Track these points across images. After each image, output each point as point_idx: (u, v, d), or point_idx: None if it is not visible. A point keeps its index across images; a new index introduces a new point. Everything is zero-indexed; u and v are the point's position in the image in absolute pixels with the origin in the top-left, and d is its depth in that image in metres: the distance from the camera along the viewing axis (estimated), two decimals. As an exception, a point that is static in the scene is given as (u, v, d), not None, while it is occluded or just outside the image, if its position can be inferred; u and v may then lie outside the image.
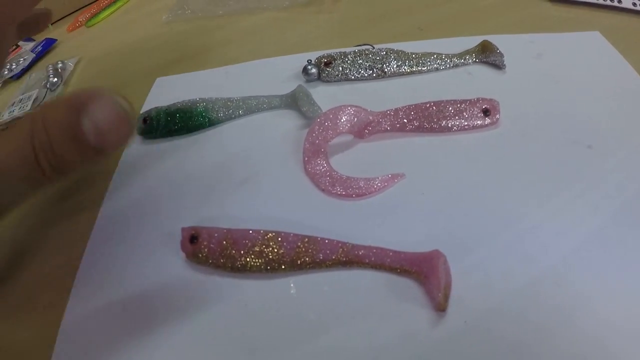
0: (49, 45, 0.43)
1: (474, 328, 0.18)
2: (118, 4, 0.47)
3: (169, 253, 0.23)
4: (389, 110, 0.26)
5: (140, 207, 0.26)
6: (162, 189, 0.26)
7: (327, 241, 0.21)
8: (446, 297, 0.19)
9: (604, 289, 0.19)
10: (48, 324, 0.21)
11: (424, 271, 0.20)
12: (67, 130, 0.14)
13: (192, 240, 0.22)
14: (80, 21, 0.46)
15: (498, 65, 0.30)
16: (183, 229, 0.22)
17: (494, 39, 0.31)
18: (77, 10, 0.49)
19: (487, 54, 0.30)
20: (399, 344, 0.18)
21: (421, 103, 0.26)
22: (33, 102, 0.35)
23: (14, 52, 0.44)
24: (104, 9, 0.47)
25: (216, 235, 0.22)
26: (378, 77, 0.30)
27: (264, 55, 0.35)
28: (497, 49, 0.30)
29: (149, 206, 0.26)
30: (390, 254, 0.21)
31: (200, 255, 0.21)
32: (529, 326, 0.18)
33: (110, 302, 0.21)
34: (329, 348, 0.19)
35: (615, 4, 0.34)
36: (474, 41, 0.32)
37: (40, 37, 0.45)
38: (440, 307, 0.18)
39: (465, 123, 0.26)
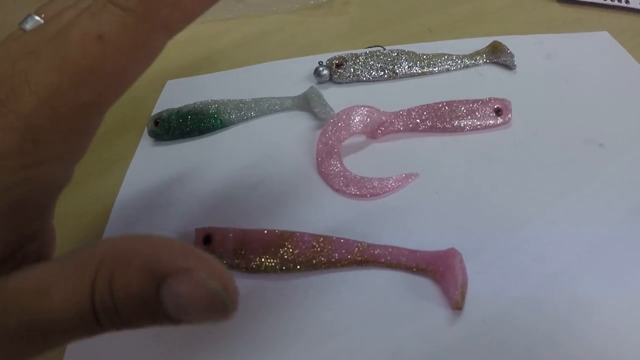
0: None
1: (492, 326, 0.18)
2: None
3: (183, 254, 0.23)
4: (401, 111, 0.26)
5: (153, 208, 0.26)
6: (175, 191, 0.26)
7: (342, 241, 0.21)
8: (463, 295, 0.19)
9: (618, 286, 0.19)
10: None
11: (440, 269, 0.20)
12: (139, 299, 0.11)
13: (206, 241, 0.22)
14: (91, 26, 0.46)
15: (508, 66, 0.30)
16: (197, 230, 0.22)
17: (503, 39, 0.31)
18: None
19: (497, 55, 0.30)
20: (416, 343, 0.18)
21: (433, 103, 0.26)
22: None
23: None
24: (113, 14, 0.47)
25: (230, 235, 0.22)
26: (389, 78, 0.30)
27: (274, 58, 0.35)
28: (508, 49, 0.30)
29: (162, 207, 0.26)
30: (406, 252, 0.21)
31: (215, 256, 0.21)
32: (545, 323, 0.18)
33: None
34: (345, 348, 0.19)
35: (623, 4, 0.35)
36: (483, 42, 0.32)
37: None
38: (457, 305, 0.18)
39: (478, 123, 0.26)
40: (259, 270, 0.21)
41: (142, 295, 0.11)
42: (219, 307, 0.11)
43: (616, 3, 0.35)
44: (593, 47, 0.31)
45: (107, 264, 0.11)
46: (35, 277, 0.11)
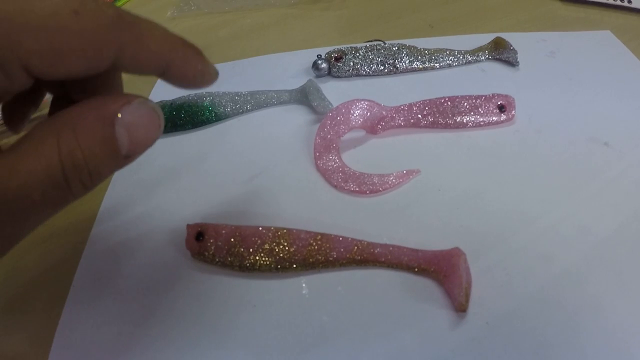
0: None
1: (496, 329, 0.18)
2: (123, 0, 0.46)
3: (173, 251, 0.22)
4: (402, 105, 0.26)
5: (143, 203, 0.25)
6: (167, 185, 0.25)
7: (341, 239, 0.20)
8: (467, 297, 0.18)
9: (625, 287, 0.18)
10: (45, 326, 0.20)
11: (443, 270, 0.19)
12: (104, 144, 0.13)
13: (198, 237, 0.21)
14: (83, 17, 0.45)
15: (511, 63, 0.29)
16: (188, 226, 0.21)
17: (506, 36, 0.30)
18: (79, 7, 0.48)
19: (500, 51, 0.30)
20: (418, 346, 0.18)
21: (436, 98, 0.26)
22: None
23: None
24: (106, 6, 0.46)
25: (224, 232, 0.21)
26: (390, 72, 0.30)
27: (272, 51, 0.34)
28: (511, 45, 0.29)
29: (153, 202, 0.25)
30: (407, 252, 0.20)
31: (207, 254, 0.20)
32: (551, 326, 0.18)
33: (110, 303, 0.20)
34: (342, 351, 0.18)
35: (625, 4, 0.34)
36: (485, 39, 0.31)
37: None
38: (461, 307, 0.18)
39: (481, 119, 0.25)
40: (253, 268, 0.20)
41: (105, 138, 0.12)
42: (157, 122, 0.14)
43: (618, 3, 0.34)
44: (596, 45, 0.31)
45: (68, 125, 0.12)
46: None
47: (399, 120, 0.25)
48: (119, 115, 0.13)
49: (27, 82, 0.12)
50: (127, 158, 0.13)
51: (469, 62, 0.30)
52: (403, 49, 0.30)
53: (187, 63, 0.16)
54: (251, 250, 0.20)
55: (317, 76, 0.30)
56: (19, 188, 0.11)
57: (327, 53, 0.30)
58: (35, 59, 0.12)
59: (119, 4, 0.46)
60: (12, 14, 0.11)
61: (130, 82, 0.37)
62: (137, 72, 0.15)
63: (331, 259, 0.20)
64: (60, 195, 0.13)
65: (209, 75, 0.17)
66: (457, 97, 0.26)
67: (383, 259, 0.20)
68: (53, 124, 0.12)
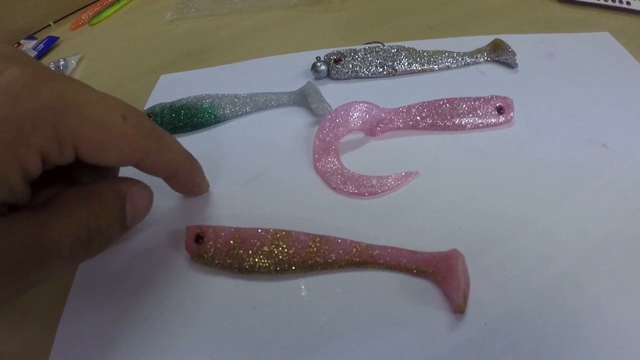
0: (50, 43, 0.43)
1: (494, 330, 0.18)
2: (122, 3, 0.46)
3: (172, 253, 0.22)
4: (401, 108, 0.26)
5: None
6: (166, 187, 0.25)
7: (339, 241, 0.20)
8: (465, 298, 0.18)
9: (623, 288, 0.18)
10: (45, 328, 0.20)
11: (441, 272, 0.19)
12: (119, 215, 0.17)
13: (198, 239, 0.21)
14: (83, 20, 0.45)
15: (510, 64, 0.29)
16: (188, 228, 0.21)
17: (504, 38, 0.30)
18: (80, 9, 0.48)
19: (499, 53, 0.30)
20: (417, 348, 0.18)
21: (434, 100, 0.26)
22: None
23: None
24: (107, 8, 0.46)
25: (223, 234, 0.21)
26: (389, 74, 0.30)
27: (271, 54, 0.34)
28: (509, 47, 0.29)
29: (152, 204, 0.25)
30: (406, 253, 0.20)
31: (206, 256, 0.21)
32: (550, 327, 0.18)
33: (109, 306, 0.20)
34: (341, 353, 0.18)
35: (624, 5, 0.34)
36: (484, 41, 0.31)
37: (42, 35, 0.45)
38: (459, 309, 0.18)
39: (479, 121, 0.25)
40: (252, 270, 0.20)
41: (120, 210, 0.17)
42: (150, 201, 0.19)
43: (617, 4, 0.34)
44: (594, 47, 0.31)
45: (94, 197, 0.16)
46: (35, 217, 0.14)
47: (397, 122, 0.25)
48: (127, 194, 0.17)
49: (70, 160, 0.15)
50: (126, 229, 0.17)
51: (468, 64, 0.30)
52: (402, 51, 0.30)
53: (190, 175, 0.21)
54: (250, 252, 0.20)
55: (316, 78, 0.30)
56: (52, 240, 0.14)
57: (326, 55, 0.30)
58: (85, 144, 0.15)
59: (117, 6, 0.47)
60: (77, 106, 0.14)
61: (129, 88, 0.37)
62: (151, 173, 0.19)
63: (330, 260, 0.20)
64: (81, 253, 0.15)
65: (202, 187, 0.23)
66: (455, 99, 0.26)
67: (382, 261, 0.20)
68: (81, 194, 0.16)
